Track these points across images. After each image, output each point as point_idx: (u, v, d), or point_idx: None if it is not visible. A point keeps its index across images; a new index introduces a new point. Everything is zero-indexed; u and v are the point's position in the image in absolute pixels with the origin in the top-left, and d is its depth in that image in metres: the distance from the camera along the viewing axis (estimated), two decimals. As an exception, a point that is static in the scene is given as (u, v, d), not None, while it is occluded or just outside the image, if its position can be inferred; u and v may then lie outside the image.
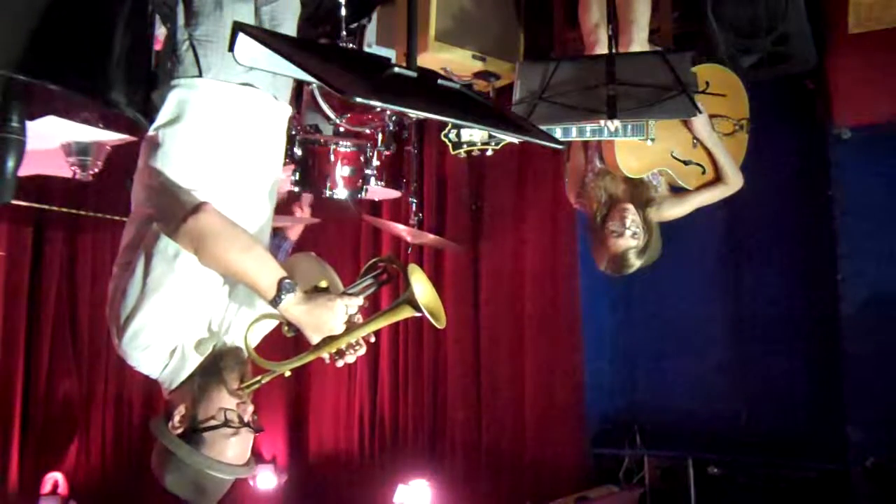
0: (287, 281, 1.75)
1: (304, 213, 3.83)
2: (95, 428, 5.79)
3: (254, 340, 1.96)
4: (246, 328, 1.86)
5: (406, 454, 4.61)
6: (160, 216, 1.85)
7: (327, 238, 4.89)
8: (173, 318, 1.82)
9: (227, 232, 1.78)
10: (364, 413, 4.87)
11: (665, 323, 3.94)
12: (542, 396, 4.12)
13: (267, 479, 5.07)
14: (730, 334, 3.78)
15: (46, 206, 4.71)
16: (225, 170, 2.02)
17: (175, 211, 1.83)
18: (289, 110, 2.28)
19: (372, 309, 1.90)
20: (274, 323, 1.96)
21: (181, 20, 2.09)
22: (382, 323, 1.83)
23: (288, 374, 1.89)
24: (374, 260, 1.91)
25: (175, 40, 2.09)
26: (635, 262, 2.70)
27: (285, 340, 1.95)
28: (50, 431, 5.77)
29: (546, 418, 4.08)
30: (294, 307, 1.76)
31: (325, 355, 1.83)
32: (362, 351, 1.85)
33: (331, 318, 1.77)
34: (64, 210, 4.76)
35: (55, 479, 5.60)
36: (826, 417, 3.42)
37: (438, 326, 1.81)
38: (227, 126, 2.05)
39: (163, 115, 2.03)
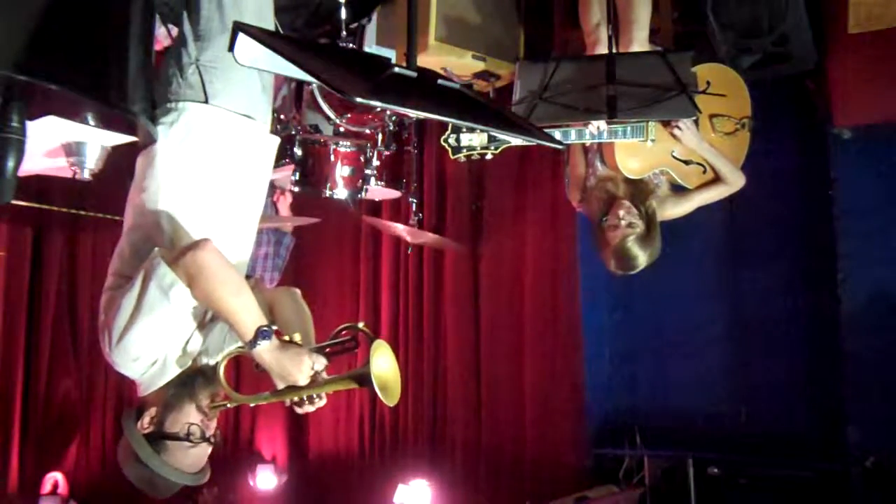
0: (264, 329, 1.86)
1: (285, 199, 3.88)
2: (95, 428, 5.79)
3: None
4: (221, 361, 1.98)
5: (406, 454, 4.61)
6: (161, 239, 1.98)
7: (327, 238, 4.89)
8: (162, 339, 1.93)
9: (222, 272, 1.89)
10: (364, 413, 4.87)
11: (665, 323, 3.95)
12: (542, 396, 4.11)
13: (267, 479, 5.08)
14: (730, 334, 3.78)
15: (46, 206, 4.71)
16: (217, 195, 2.13)
17: (177, 240, 1.97)
18: (277, 141, 2.38)
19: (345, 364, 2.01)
20: None
21: (189, 41, 2.16)
22: (338, 387, 1.96)
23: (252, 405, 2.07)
24: (346, 325, 2.03)
25: (181, 63, 2.16)
26: (638, 254, 2.68)
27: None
28: (50, 431, 5.76)
29: (546, 418, 4.08)
30: (267, 353, 1.88)
31: (287, 401, 1.97)
32: (321, 403, 1.98)
33: (296, 371, 1.89)
34: (64, 210, 4.76)
35: (55, 479, 5.59)
36: (826, 417, 3.42)
37: (389, 404, 1.92)
38: (225, 154, 2.16)
39: (165, 135, 2.10)
